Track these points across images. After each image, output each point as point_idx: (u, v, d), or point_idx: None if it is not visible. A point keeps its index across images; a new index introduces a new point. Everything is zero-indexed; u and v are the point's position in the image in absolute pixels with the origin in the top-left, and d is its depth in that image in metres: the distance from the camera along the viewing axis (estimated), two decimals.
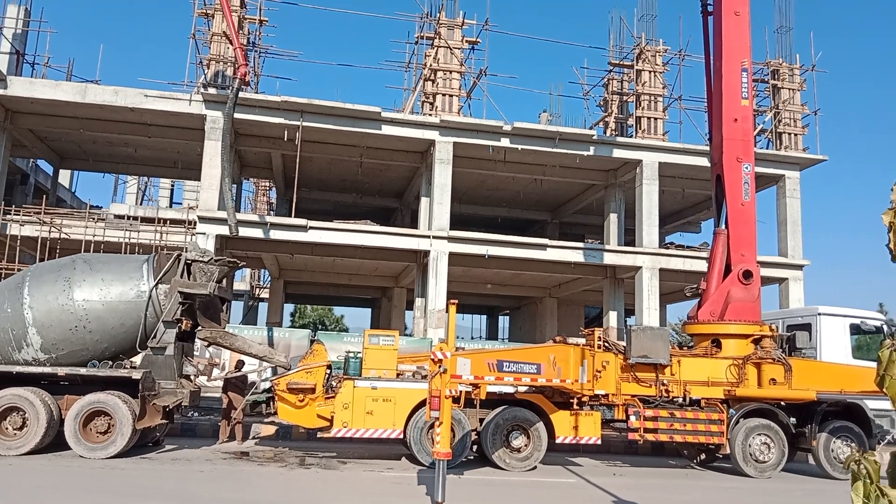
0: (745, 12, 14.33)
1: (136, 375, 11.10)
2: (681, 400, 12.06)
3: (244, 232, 20.79)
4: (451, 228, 22.01)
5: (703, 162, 22.28)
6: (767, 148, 24.63)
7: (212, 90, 20.93)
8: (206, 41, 22.24)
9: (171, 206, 38.12)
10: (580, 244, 24.08)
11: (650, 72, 24.48)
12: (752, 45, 14.67)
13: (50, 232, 21.21)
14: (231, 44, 20.34)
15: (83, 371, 11.21)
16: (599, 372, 11.72)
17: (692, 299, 14.36)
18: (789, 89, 24.97)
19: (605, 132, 25.94)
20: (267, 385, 12.51)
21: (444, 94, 22.84)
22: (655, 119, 24.25)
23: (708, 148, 15.78)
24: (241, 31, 22.59)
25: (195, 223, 21.28)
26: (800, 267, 23.90)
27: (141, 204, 37.60)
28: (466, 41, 23.47)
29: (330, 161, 25.11)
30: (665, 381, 12.03)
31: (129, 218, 24.01)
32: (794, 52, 25.45)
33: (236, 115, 21.05)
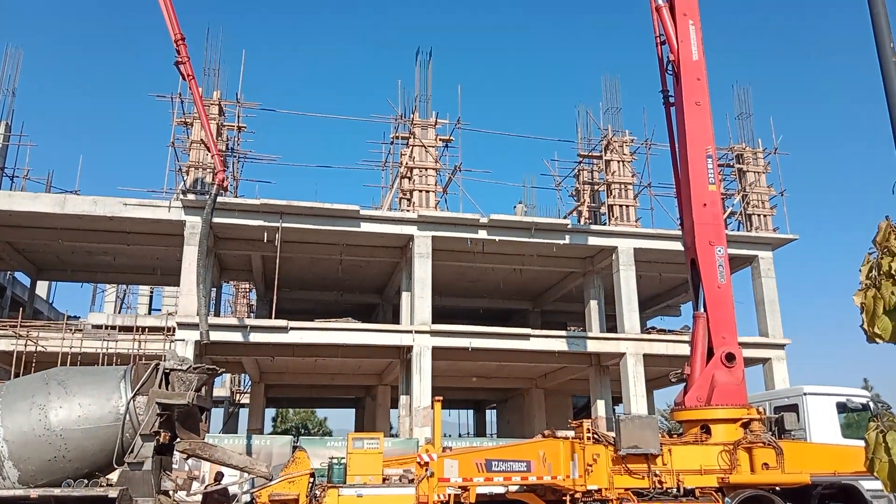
0: (706, 102, 14.96)
1: (113, 494, 10.64)
2: (675, 491, 11.78)
3: (224, 336, 20.55)
4: (433, 322, 21.95)
5: (677, 246, 22.66)
6: (738, 230, 25.19)
7: (191, 196, 21.16)
8: (186, 149, 22.68)
9: (149, 313, 37.74)
10: (563, 332, 24.06)
11: (619, 161, 25.24)
12: (715, 131, 15.26)
13: (26, 346, 20.81)
14: (209, 151, 20.73)
15: (57, 492, 10.71)
16: (591, 466, 11.47)
17: (678, 384, 14.30)
18: (754, 172, 25.81)
19: (579, 221, 26.43)
20: (248, 498, 12.07)
21: (420, 191, 23.29)
22: (627, 206, 24.82)
23: (680, 232, 16.11)
24: (220, 138, 23.10)
25: (174, 330, 21.02)
26: (781, 346, 23.99)
27: (119, 312, 37.17)
28: (440, 139, 24.16)
29: (310, 260, 25.21)
30: (658, 472, 11.78)
31: (106, 328, 23.67)
32: (755, 136, 26.51)
33: (216, 220, 21.22)
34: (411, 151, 23.84)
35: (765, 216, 25.38)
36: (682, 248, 15.67)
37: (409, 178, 23.75)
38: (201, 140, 21.79)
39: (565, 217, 26.32)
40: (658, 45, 15.84)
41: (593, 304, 25.58)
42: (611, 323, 25.71)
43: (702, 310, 13.89)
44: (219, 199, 20.22)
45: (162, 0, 16.90)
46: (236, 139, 24.29)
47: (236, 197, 22.78)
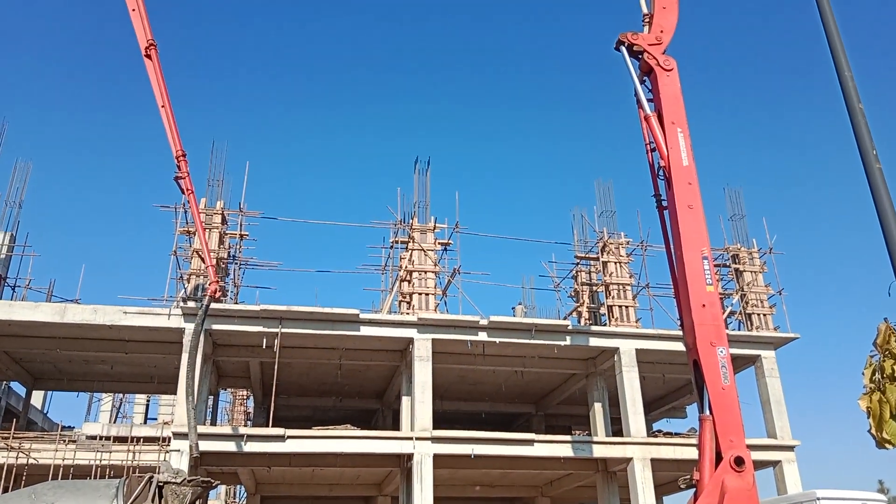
0: (698, 205, 15.25)
1: None
2: None
3: (219, 446, 20.10)
4: (434, 427, 21.50)
5: (679, 347, 22.52)
6: (739, 329, 25.14)
7: (191, 304, 21.22)
8: (187, 257, 22.95)
9: (145, 423, 36.98)
10: (568, 437, 23.56)
11: (616, 263, 25.50)
12: (710, 232, 15.50)
13: (17, 458, 20.27)
14: (203, 263, 20.91)
15: None
16: None
17: (688, 490, 13.86)
18: (751, 272, 26.03)
19: (579, 322, 26.40)
20: None
21: (420, 294, 23.40)
22: (627, 307, 24.86)
23: (681, 333, 16.08)
24: (222, 246, 23.44)
25: (169, 440, 20.55)
26: (791, 448, 23.43)
27: (115, 422, 36.46)
28: (439, 243, 24.50)
29: (309, 366, 24.98)
30: None
31: (101, 438, 23.17)
32: (750, 237, 26.90)
33: (216, 327, 21.24)
34: (410, 255, 24.12)
35: (765, 315, 25.39)
36: (683, 349, 15.59)
37: (409, 282, 23.91)
38: (197, 252, 22.06)
39: (565, 318, 26.31)
40: (648, 151, 16.34)
41: (597, 406, 25.15)
42: (616, 426, 25.19)
43: (707, 412, 13.64)
44: (219, 306, 20.29)
45: (165, 117, 17.57)
46: (238, 247, 24.62)
47: (236, 303, 22.85)
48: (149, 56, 17.44)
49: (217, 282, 19.72)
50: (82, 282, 27.68)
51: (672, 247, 15.75)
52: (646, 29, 16.76)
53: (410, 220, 24.67)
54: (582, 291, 27.18)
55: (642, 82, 16.44)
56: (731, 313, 25.58)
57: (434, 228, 24.53)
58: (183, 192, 18.97)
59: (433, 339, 22.44)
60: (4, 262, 24.66)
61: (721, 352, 13.90)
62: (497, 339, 22.83)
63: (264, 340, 21.73)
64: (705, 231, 15.14)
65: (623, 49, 16.32)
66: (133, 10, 17.12)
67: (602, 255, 25.79)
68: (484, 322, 22.56)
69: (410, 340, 22.50)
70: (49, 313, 21.10)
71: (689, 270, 14.55)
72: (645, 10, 17.06)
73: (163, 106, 17.72)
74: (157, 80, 17.38)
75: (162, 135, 18.73)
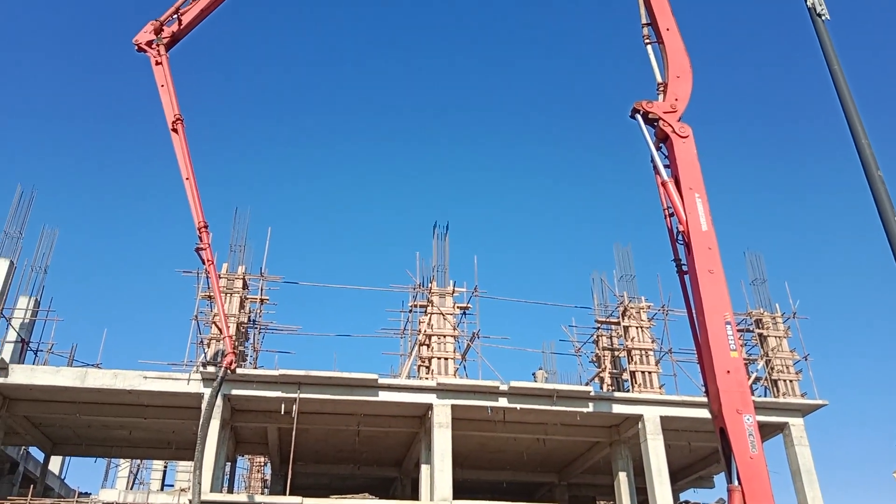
0: (719, 269, 15.16)
1: None
2: None
3: None
4: (454, 497, 20.98)
5: (705, 414, 21.97)
6: (765, 396, 24.56)
7: (211, 369, 21.24)
8: (208, 321, 23.09)
9: (162, 489, 36.54)
10: None
11: (637, 327, 25.23)
12: (731, 297, 15.33)
13: None
14: (220, 333, 20.83)
15: None
16: None
17: None
18: (775, 337, 25.58)
19: (601, 388, 25.97)
20: None
21: (439, 358, 23.24)
22: (650, 373, 24.46)
23: (706, 400, 15.75)
24: (242, 311, 23.57)
25: None
26: None
27: (132, 488, 36.08)
28: (458, 307, 24.46)
29: (327, 432, 24.70)
30: None
31: None
32: (772, 301, 26.54)
33: (234, 392, 21.18)
34: (429, 319, 24.07)
35: (791, 381, 24.82)
36: (710, 416, 15.25)
37: (428, 346, 23.79)
38: (215, 321, 22.14)
39: (587, 384, 25.89)
40: (667, 216, 16.38)
41: (622, 476, 24.48)
42: (642, 496, 24.42)
43: (736, 482, 13.24)
44: (238, 371, 20.24)
45: (190, 189, 17.79)
46: (258, 311, 24.75)
47: (255, 368, 22.82)
48: (175, 130, 17.78)
49: (234, 353, 19.43)
50: (104, 346, 27.90)
51: (694, 312, 15.60)
52: (661, 97, 17.05)
53: (429, 285, 24.73)
54: (603, 356, 26.84)
55: (658, 149, 16.63)
56: (757, 379, 25.06)
57: (453, 292, 24.54)
58: (204, 263, 19.06)
59: (453, 405, 22.15)
60: (28, 326, 24.98)
61: (748, 420, 13.58)
62: (518, 406, 22.48)
63: (283, 406, 21.59)
64: (727, 296, 15.00)
65: (638, 117, 16.58)
66: (162, 85, 17.61)
67: (623, 319, 25.56)
68: (504, 388, 22.29)
69: (430, 406, 22.23)
70: (70, 378, 21.19)
71: (711, 336, 14.36)
72: (659, 79, 17.40)
73: (187, 178, 17.93)
74: (183, 153, 17.73)
75: (184, 201, 19.04)
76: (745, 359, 24.19)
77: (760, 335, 25.85)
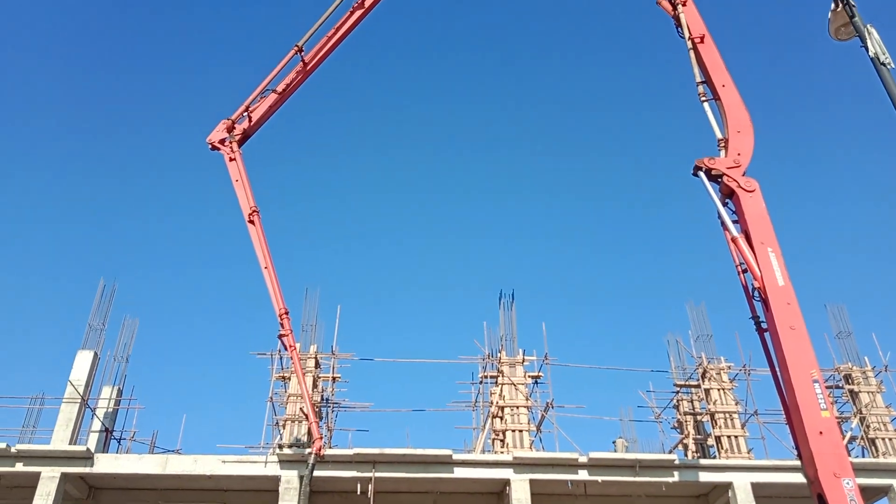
0: (801, 325, 14.52)
1: None
2: None
3: None
4: None
5: (800, 478, 20.78)
6: (863, 456, 23.07)
7: (287, 451, 21.34)
8: (283, 402, 23.37)
9: None
10: None
11: (718, 389, 24.28)
12: (816, 352, 14.65)
13: None
14: (306, 420, 20.91)
15: None
16: None
17: None
18: (868, 392, 24.21)
19: (686, 455, 24.89)
20: None
21: (513, 430, 22.80)
22: (736, 437, 23.37)
23: (799, 463, 14.90)
24: (315, 390, 23.80)
25: None
26: None
27: None
28: (529, 376, 24.11)
29: None
30: None
31: None
32: (861, 355, 25.26)
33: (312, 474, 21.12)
34: (501, 390, 23.77)
35: (890, 439, 23.29)
36: (805, 481, 14.39)
37: (501, 418, 23.40)
38: (298, 394, 22.36)
39: (670, 452, 24.90)
40: (740, 273, 15.92)
41: None
42: None
43: None
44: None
45: (268, 278, 18.03)
46: (331, 390, 24.94)
47: (330, 448, 22.82)
48: (252, 221, 18.16)
49: (321, 438, 19.46)
50: (183, 431, 28.46)
51: (778, 371, 14.96)
52: (722, 153, 16.88)
53: (498, 354, 24.53)
54: (685, 422, 25.82)
55: (725, 205, 16.35)
56: (853, 439, 23.62)
57: (523, 361, 24.24)
58: (286, 349, 19.20)
59: (531, 480, 21.53)
60: (112, 415, 25.75)
61: (847, 483, 12.75)
62: (599, 478, 21.69)
63: (358, 486, 21.42)
64: (812, 352, 14.35)
65: (701, 174, 16.40)
66: (236, 180, 18.23)
67: (703, 381, 24.66)
68: (583, 459, 21.60)
69: (507, 482, 21.67)
70: (152, 465, 21.60)
71: (799, 396, 13.68)
72: (719, 135, 17.25)
73: (266, 267, 18.21)
74: (261, 243, 18.07)
75: (259, 284, 19.51)
76: (837, 417, 22.92)
77: (851, 391, 24.50)
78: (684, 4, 18.93)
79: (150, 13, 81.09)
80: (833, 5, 11.65)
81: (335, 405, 25.43)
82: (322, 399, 24.59)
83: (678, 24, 19.04)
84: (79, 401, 23.22)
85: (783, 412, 15.32)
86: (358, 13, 19.32)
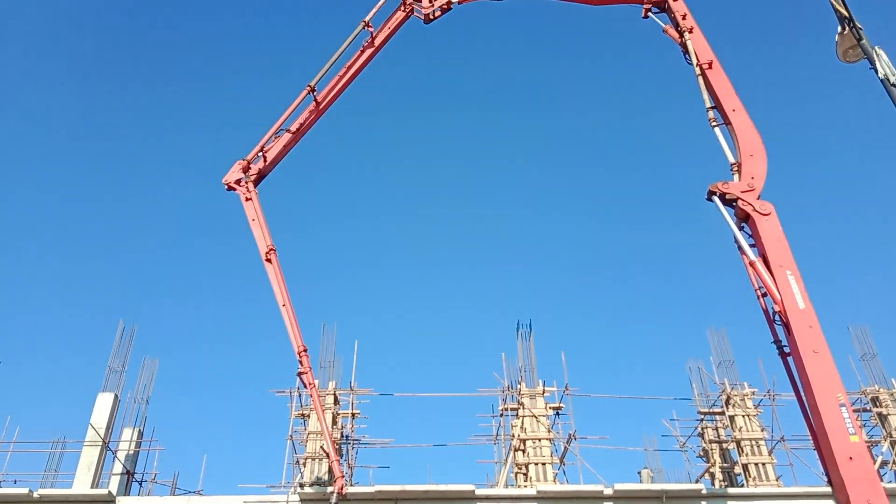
0: (824, 348, 14.32)
1: None
2: None
3: None
4: None
5: None
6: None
7: (308, 490, 21.17)
8: (303, 440, 23.25)
9: None
10: None
11: (743, 416, 23.89)
12: (841, 375, 14.40)
13: None
14: (328, 458, 20.70)
15: None
16: None
17: None
18: None
19: (713, 484, 24.40)
20: None
21: (536, 463, 22.50)
22: (764, 464, 22.91)
23: (830, 490, 14.57)
24: (335, 426, 23.66)
25: None
26: None
27: None
28: (550, 408, 23.84)
29: None
30: None
31: None
32: (887, 376, 24.79)
33: None
34: (522, 423, 23.52)
35: None
36: None
37: (523, 451, 23.12)
38: (322, 447, 22.17)
39: (697, 481, 24.43)
40: (759, 297, 15.78)
41: None
42: None
43: None
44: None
45: (286, 315, 17.88)
46: (351, 426, 24.79)
47: (351, 486, 22.60)
48: (269, 260, 18.12)
49: (342, 477, 19.25)
50: (204, 472, 28.27)
51: (803, 395, 14.72)
52: (735, 177, 16.85)
53: (518, 386, 24.31)
54: (711, 450, 25.38)
55: (741, 228, 16.27)
56: (884, 463, 23.07)
57: (543, 392, 24.01)
58: (305, 387, 19.06)
59: None
60: (133, 457, 25.71)
61: None
62: None
63: None
64: (837, 375, 14.11)
65: (715, 199, 16.36)
66: (253, 220, 18.26)
67: (727, 408, 24.28)
68: (609, 491, 21.21)
69: None
70: None
71: (826, 421, 13.43)
72: (732, 160, 17.25)
73: (283, 305, 18.12)
74: (278, 281, 17.99)
75: (277, 321, 19.47)
76: (867, 442, 22.47)
77: (879, 414, 24.00)
78: (691, 31, 19.07)
79: (188, 58, 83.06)
80: (840, 28, 11.73)
81: (355, 442, 25.26)
82: (342, 436, 24.44)
83: (685, 51, 19.18)
84: (100, 444, 23.23)
85: (811, 438, 15.04)
86: (368, 52, 19.63)
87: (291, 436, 23.23)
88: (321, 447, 22.24)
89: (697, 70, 18.59)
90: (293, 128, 19.08)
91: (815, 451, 15.04)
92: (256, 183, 18.89)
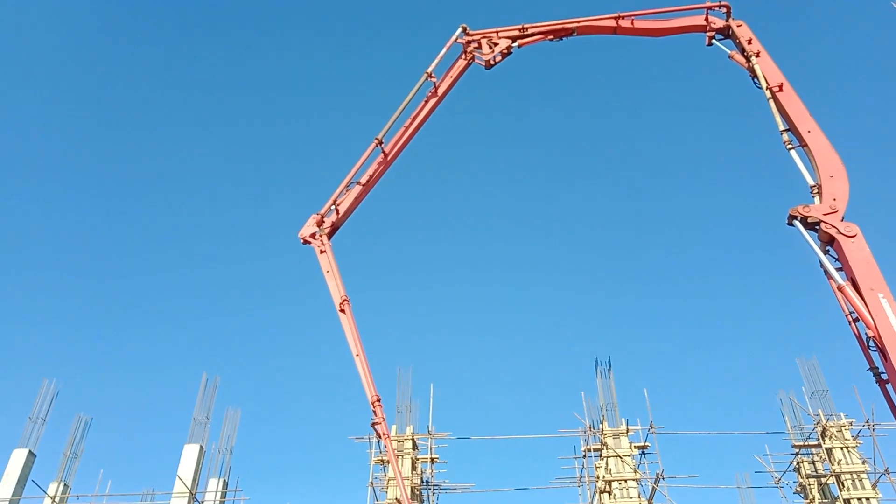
0: None
1: None
2: None
3: None
4: None
5: None
6: None
7: None
8: (383, 487, 23.23)
9: None
10: None
11: (842, 448, 22.65)
12: None
13: None
14: None
15: None
16: None
17: None
18: None
19: None
20: None
21: None
22: (868, 499, 21.59)
23: None
24: (414, 472, 23.55)
25: None
26: None
27: None
28: (635, 447, 23.20)
29: None
30: None
31: None
32: None
33: None
34: (606, 463, 22.92)
35: None
36: None
37: (609, 493, 22.48)
38: (397, 499, 22.10)
39: None
40: (851, 322, 15.03)
41: None
42: None
43: None
44: None
45: (360, 365, 17.99)
46: (430, 471, 24.66)
47: None
48: (343, 311, 18.39)
49: None
50: None
51: None
52: (816, 199, 16.28)
53: (600, 426, 23.76)
54: (809, 486, 24.09)
55: (826, 252, 15.65)
56: None
57: (627, 431, 23.40)
58: (379, 437, 19.09)
59: None
60: None
61: None
62: None
63: None
64: None
65: (797, 223, 15.80)
66: (327, 271, 18.64)
67: (823, 440, 23.08)
68: None
69: None
70: None
71: None
72: (811, 182, 16.69)
73: (357, 355, 18.27)
74: (352, 330, 18.19)
75: (353, 369, 19.55)
76: None
77: None
78: (758, 55, 18.75)
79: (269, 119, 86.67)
80: None
81: (435, 487, 25.09)
82: (422, 481, 24.31)
83: (754, 76, 18.83)
84: (187, 495, 23.77)
85: None
86: (432, 101, 19.96)
87: (372, 482, 23.28)
88: (396, 498, 22.11)
89: (768, 94, 18.19)
90: (363, 180, 19.49)
91: None
92: (330, 236, 19.30)
